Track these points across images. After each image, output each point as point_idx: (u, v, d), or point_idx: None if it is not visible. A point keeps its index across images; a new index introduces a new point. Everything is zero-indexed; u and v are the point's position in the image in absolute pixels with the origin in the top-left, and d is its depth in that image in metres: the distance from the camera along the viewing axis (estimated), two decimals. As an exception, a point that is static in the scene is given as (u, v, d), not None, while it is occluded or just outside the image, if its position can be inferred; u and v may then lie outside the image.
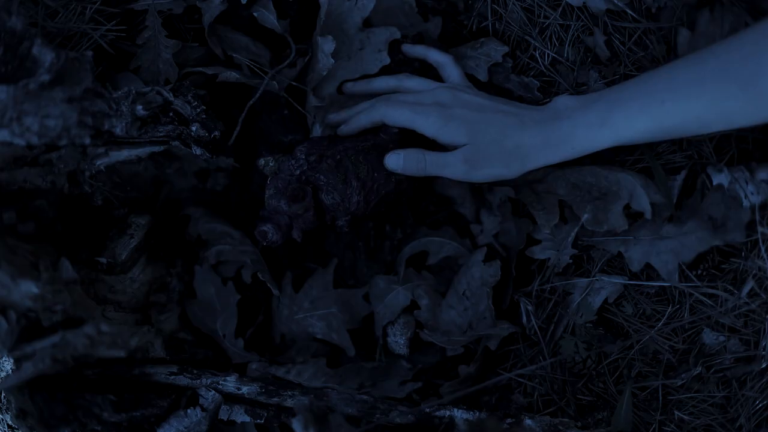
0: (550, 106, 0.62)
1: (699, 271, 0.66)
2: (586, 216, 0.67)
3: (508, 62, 0.72)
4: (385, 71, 0.69)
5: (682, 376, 0.66)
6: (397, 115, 0.63)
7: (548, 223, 0.67)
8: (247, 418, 0.64)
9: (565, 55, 0.71)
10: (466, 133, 0.61)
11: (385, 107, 0.64)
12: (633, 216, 0.67)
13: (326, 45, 0.66)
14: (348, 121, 0.67)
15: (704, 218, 0.64)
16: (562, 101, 0.62)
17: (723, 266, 0.66)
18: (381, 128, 0.67)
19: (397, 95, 0.66)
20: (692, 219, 0.65)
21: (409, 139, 0.72)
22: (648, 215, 0.64)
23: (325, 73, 0.67)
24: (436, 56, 0.68)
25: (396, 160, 0.64)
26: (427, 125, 0.62)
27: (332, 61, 0.66)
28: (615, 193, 0.65)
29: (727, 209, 0.64)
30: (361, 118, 0.66)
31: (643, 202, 0.64)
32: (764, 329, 0.65)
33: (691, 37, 0.65)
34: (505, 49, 0.71)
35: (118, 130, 0.59)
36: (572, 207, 0.67)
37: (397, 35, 0.69)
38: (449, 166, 0.62)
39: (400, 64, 0.71)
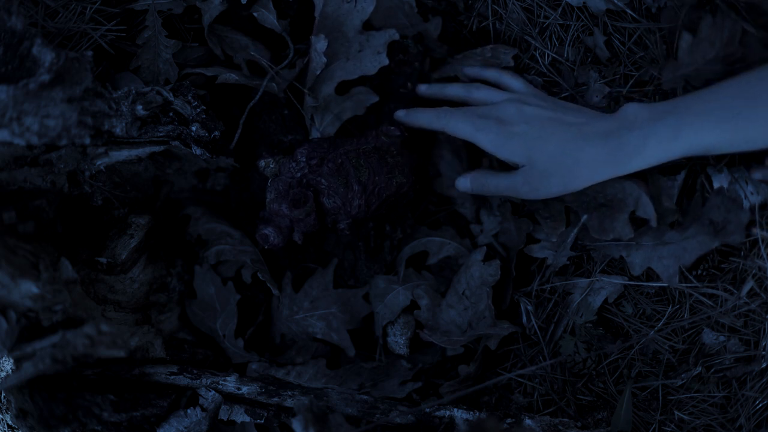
0: (619, 115, 0.61)
1: (699, 272, 0.66)
2: (585, 217, 0.67)
3: (510, 62, 0.72)
4: (383, 72, 0.69)
5: (682, 376, 0.66)
6: (459, 128, 0.65)
7: (555, 231, 0.68)
8: (247, 418, 0.64)
9: (565, 55, 0.71)
10: (525, 152, 0.62)
11: (448, 118, 0.65)
12: (635, 222, 0.67)
13: (319, 44, 0.66)
14: (410, 112, 0.69)
15: (705, 222, 0.64)
16: (632, 110, 0.60)
17: (723, 266, 0.66)
18: (383, 130, 0.67)
19: (462, 107, 0.67)
20: (694, 224, 0.65)
21: (416, 140, 0.72)
22: (653, 222, 0.64)
23: (318, 72, 0.67)
24: (492, 74, 0.70)
25: (464, 183, 0.68)
26: (487, 141, 0.63)
27: (324, 59, 0.66)
28: (620, 201, 0.65)
29: (728, 212, 0.64)
30: (421, 117, 0.67)
31: (648, 210, 0.65)
32: (764, 329, 0.65)
33: (693, 41, 0.66)
34: (514, 51, 0.71)
35: (118, 130, 0.59)
36: (578, 213, 0.67)
37: (396, 37, 0.69)
38: (510, 189, 0.64)
39: (400, 64, 0.71)
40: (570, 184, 0.61)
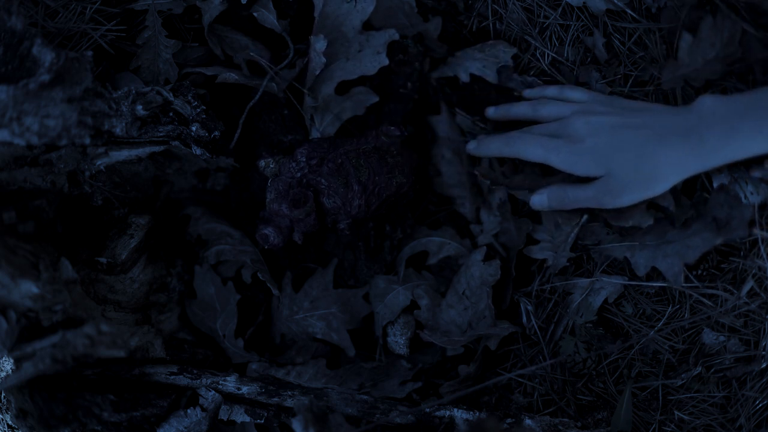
0: (695, 109, 0.59)
1: (699, 272, 0.66)
2: (585, 217, 0.67)
3: (510, 62, 0.72)
4: (383, 72, 0.69)
5: (682, 376, 0.66)
6: (530, 153, 0.64)
7: (570, 222, 0.67)
8: (247, 418, 0.64)
9: (565, 55, 0.71)
10: (599, 165, 0.61)
11: (518, 144, 0.65)
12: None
13: (318, 44, 0.66)
14: (480, 142, 0.69)
15: (708, 220, 0.64)
16: (708, 104, 0.59)
17: (723, 266, 0.66)
18: (383, 130, 0.67)
19: (531, 129, 0.66)
20: (697, 221, 0.65)
21: (416, 140, 0.72)
22: (672, 208, 0.64)
23: (318, 73, 0.67)
24: (553, 91, 0.69)
25: (541, 200, 0.66)
26: (559, 161, 0.63)
27: (324, 60, 0.66)
28: None
29: (731, 208, 0.64)
30: (492, 146, 0.67)
31: (667, 199, 0.64)
32: (764, 329, 0.65)
33: (693, 41, 0.66)
34: (513, 50, 0.71)
35: (118, 130, 0.59)
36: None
37: (396, 37, 0.69)
38: (593, 200, 0.63)
39: (400, 64, 0.71)
40: (652, 188, 0.61)
